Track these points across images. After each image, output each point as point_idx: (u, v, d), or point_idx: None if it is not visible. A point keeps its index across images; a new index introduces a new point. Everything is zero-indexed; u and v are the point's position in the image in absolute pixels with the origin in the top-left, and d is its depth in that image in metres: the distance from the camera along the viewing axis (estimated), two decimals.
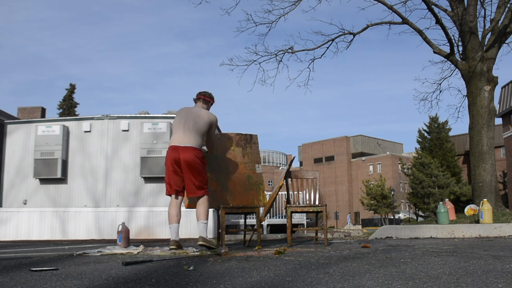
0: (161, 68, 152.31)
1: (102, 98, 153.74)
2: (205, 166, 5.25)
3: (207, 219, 5.12)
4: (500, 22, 11.24)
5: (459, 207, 25.84)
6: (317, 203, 6.11)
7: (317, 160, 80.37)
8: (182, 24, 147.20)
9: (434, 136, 48.77)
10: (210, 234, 10.11)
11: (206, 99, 5.56)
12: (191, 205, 5.89)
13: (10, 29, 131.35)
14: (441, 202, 9.05)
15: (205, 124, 5.31)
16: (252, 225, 13.62)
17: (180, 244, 4.99)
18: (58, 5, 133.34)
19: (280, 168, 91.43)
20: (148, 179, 10.43)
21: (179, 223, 5.13)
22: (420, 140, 49.82)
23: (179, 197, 5.20)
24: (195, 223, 10.10)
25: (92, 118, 10.84)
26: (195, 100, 5.60)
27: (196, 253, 4.44)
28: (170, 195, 5.20)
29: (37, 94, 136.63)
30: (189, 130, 5.19)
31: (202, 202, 5.14)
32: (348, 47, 13.24)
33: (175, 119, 5.38)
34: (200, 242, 4.89)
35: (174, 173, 5.12)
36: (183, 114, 5.35)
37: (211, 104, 5.67)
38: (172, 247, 4.89)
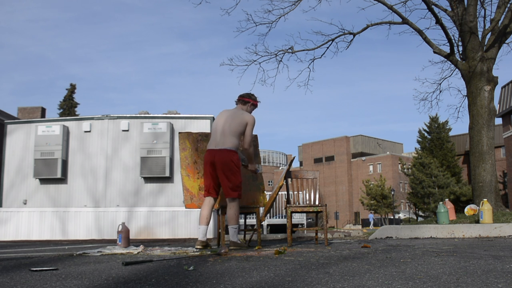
0: (162, 68, 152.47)
1: (103, 98, 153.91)
2: (240, 169, 5.29)
3: (237, 223, 5.22)
4: (500, 22, 11.24)
5: (459, 207, 25.87)
6: (317, 203, 6.11)
7: (317, 160, 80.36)
8: (184, 24, 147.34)
9: (434, 136, 48.77)
10: (210, 234, 10.11)
11: (244, 99, 5.57)
12: (191, 205, 5.88)
13: (12, 29, 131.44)
14: (441, 202, 9.05)
15: (239, 125, 5.31)
16: (252, 225, 13.63)
17: (207, 243, 5.13)
18: (59, 5, 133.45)
19: (280, 168, 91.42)
20: (148, 179, 10.43)
21: (207, 225, 5.24)
22: (420, 140, 49.82)
23: (212, 199, 5.31)
24: (195, 223, 10.13)
25: (92, 118, 10.84)
26: (236, 103, 5.64)
27: (196, 253, 4.44)
28: (205, 196, 5.34)
29: (38, 94, 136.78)
30: (224, 133, 5.26)
31: (232, 205, 5.20)
32: (348, 47, 13.25)
33: (214, 123, 5.47)
34: (231, 247, 5.09)
35: (207, 176, 5.26)
36: (221, 116, 5.42)
37: (252, 105, 5.61)
38: (198, 246, 5.04)
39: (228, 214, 5.21)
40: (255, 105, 5.64)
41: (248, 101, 5.57)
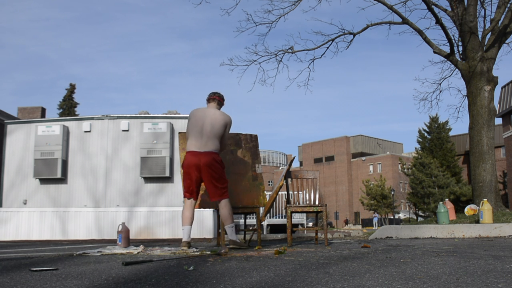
0: (163, 68, 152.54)
1: (104, 98, 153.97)
2: (224, 170, 5.35)
3: (232, 221, 5.26)
4: (500, 22, 11.24)
5: (459, 207, 25.83)
6: (317, 203, 6.11)
7: (317, 160, 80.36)
8: (185, 24, 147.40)
9: (434, 136, 48.76)
10: (210, 234, 10.11)
11: (220, 100, 5.59)
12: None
13: (13, 29, 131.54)
14: (441, 202, 9.05)
15: (222, 127, 5.36)
16: (252, 225, 13.63)
17: (190, 244, 5.13)
18: (61, 5, 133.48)
19: (280, 168, 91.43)
20: (148, 179, 10.43)
21: (191, 225, 5.27)
22: (420, 140, 49.81)
23: (193, 200, 5.32)
24: (195, 223, 10.11)
25: (92, 118, 10.84)
26: (209, 100, 5.59)
27: (196, 253, 4.44)
28: (185, 198, 5.32)
29: (38, 94, 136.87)
30: (208, 135, 5.24)
31: (225, 205, 5.26)
32: (348, 47, 13.26)
33: (190, 121, 5.36)
34: (231, 246, 5.11)
35: (189, 178, 5.23)
36: (199, 117, 5.34)
37: (222, 105, 5.68)
38: (184, 247, 5.02)
39: (222, 214, 5.26)
40: (223, 105, 5.72)
41: (223, 102, 5.63)
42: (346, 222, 63.69)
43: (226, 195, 5.28)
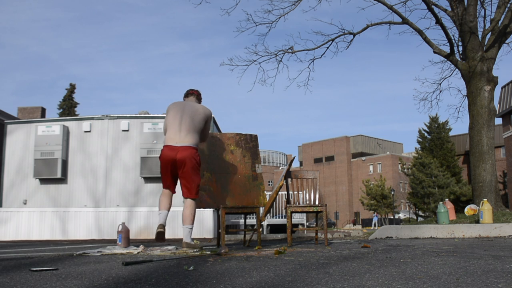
0: (164, 68, 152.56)
1: (104, 98, 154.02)
2: (199, 167, 5.13)
3: (192, 223, 5.02)
4: (500, 22, 11.24)
5: (459, 207, 25.85)
6: (317, 203, 6.11)
7: (317, 160, 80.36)
8: (186, 24, 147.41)
9: (434, 136, 48.75)
10: (210, 234, 10.11)
11: (199, 96, 5.49)
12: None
13: (14, 29, 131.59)
14: (441, 202, 9.05)
15: (202, 120, 5.19)
16: (252, 225, 13.63)
17: (164, 226, 4.98)
18: (61, 5, 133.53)
19: (280, 168, 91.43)
20: (148, 179, 10.43)
21: (168, 210, 5.12)
22: (420, 140, 49.80)
23: (171, 192, 5.20)
24: (195, 223, 10.10)
25: (92, 118, 10.84)
26: (187, 95, 5.47)
27: (196, 253, 4.44)
28: (163, 187, 5.22)
29: (39, 94, 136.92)
30: (187, 129, 5.04)
31: (190, 204, 5.04)
32: (348, 47, 13.25)
33: (168, 115, 5.16)
34: (184, 248, 4.87)
35: (166, 172, 5.08)
36: (177, 109, 5.15)
37: (201, 101, 5.59)
38: (160, 229, 4.91)
39: (185, 213, 4.98)
40: (201, 100, 5.62)
41: (201, 98, 5.53)
42: (354, 223, 63.33)
43: (196, 195, 5.07)
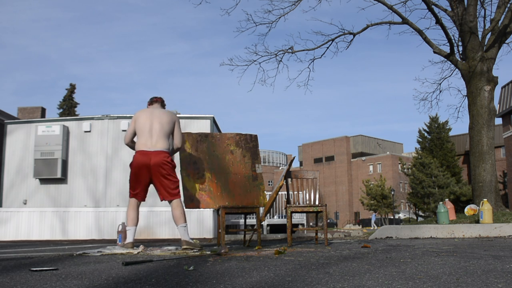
0: (164, 68, 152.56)
1: (104, 98, 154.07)
2: (175, 169, 5.20)
3: (185, 221, 5.10)
4: (500, 22, 11.24)
5: (459, 207, 25.86)
6: (317, 203, 6.11)
7: (317, 160, 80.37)
8: (186, 24, 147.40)
9: (434, 136, 48.73)
10: (210, 234, 10.11)
11: (163, 103, 5.59)
12: (191, 205, 5.89)
13: (14, 29, 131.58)
14: (441, 202, 9.05)
15: (170, 123, 5.29)
16: (252, 225, 13.63)
17: (134, 245, 5.00)
18: (62, 5, 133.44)
19: (280, 168, 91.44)
20: None
21: (136, 226, 5.17)
22: (420, 140, 49.79)
23: (138, 201, 5.20)
24: (195, 223, 10.13)
25: (92, 118, 10.84)
26: (151, 103, 5.56)
27: (196, 253, 4.44)
28: (132, 198, 5.18)
29: (39, 94, 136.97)
30: (157, 134, 5.15)
31: (177, 205, 5.11)
32: (348, 47, 13.26)
33: (138, 122, 5.25)
34: (184, 246, 4.90)
35: (138, 178, 5.09)
36: (146, 116, 5.26)
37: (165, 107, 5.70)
38: (129, 248, 4.89)
39: (175, 214, 5.08)
40: (165, 106, 5.72)
41: (164, 104, 5.62)
42: (359, 223, 63.05)
43: (178, 195, 5.14)
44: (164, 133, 5.19)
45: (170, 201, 5.12)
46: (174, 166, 5.19)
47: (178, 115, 10.83)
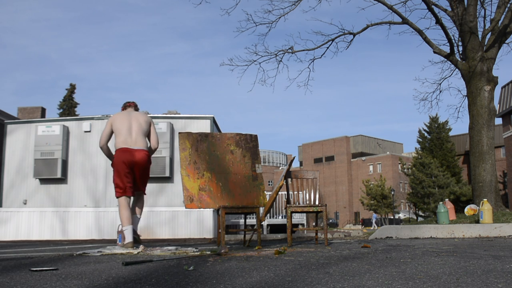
0: (164, 68, 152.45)
1: (105, 98, 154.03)
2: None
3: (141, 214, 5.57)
4: (500, 22, 11.25)
5: (459, 207, 25.85)
6: (317, 203, 6.11)
7: (317, 160, 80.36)
8: (186, 24, 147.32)
9: (434, 136, 48.75)
10: (210, 234, 10.12)
11: (136, 106, 5.89)
12: (191, 205, 5.89)
13: (14, 29, 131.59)
14: (441, 202, 9.05)
15: (147, 124, 5.59)
16: (252, 225, 13.62)
17: (136, 240, 5.28)
18: (62, 5, 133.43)
19: (280, 168, 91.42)
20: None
21: (132, 224, 5.32)
22: (420, 140, 49.80)
23: (128, 198, 5.36)
24: (195, 223, 10.13)
25: (92, 118, 10.84)
26: (125, 107, 5.84)
27: (196, 253, 4.44)
28: (121, 196, 5.30)
29: (39, 94, 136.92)
30: (137, 132, 5.43)
31: (142, 198, 5.61)
32: (348, 47, 13.27)
33: (115, 123, 5.45)
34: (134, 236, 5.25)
35: (128, 175, 5.31)
36: (123, 117, 5.51)
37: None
38: (129, 248, 4.99)
39: (139, 206, 5.54)
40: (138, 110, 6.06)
41: (138, 108, 5.94)
42: (363, 223, 62.96)
43: (144, 191, 5.59)
44: (142, 132, 5.48)
45: (138, 194, 5.53)
46: (151, 163, 5.59)
47: (178, 115, 10.85)
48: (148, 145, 5.60)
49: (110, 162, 5.53)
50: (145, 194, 5.67)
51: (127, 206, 5.29)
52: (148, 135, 5.62)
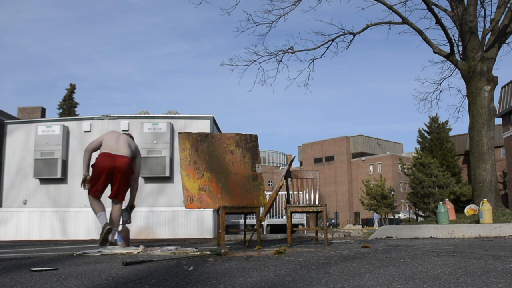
0: (164, 68, 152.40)
1: (105, 98, 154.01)
2: (131, 177, 5.72)
3: (118, 227, 5.64)
4: (500, 22, 11.24)
5: (459, 207, 25.86)
6: (317, 203, 6.11)
7: (317, 160, 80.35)
8: (187, 24, 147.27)
9: (434, 136, 48.74)
10: (210, 234, 10.11)
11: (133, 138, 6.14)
12: (191, 205, 5.89)
13: (14, 29, 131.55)
14: (441, 202, 9.05)
15: (135, 147, 5.83)
16: (252, 225, 13.63)
17: (108, 226, 5.34)
18: (62, 5, 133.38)
19: (280, 168, 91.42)
20: (148, 179, 10.43)
21: (105, 210, 5.56)
22: (420, 140, 49.79)
23: (98, 198, 5.61)
24: (195, 223, 10.13)
25: (92, 118, 10.84)
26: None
27: (196, 253, 4.44)
28: (90, 195, 5.57)
29: (39, 94, 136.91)
30: (123, 142, 5.65)
31: (119, 208, 5.69)
32: (348, 47, 13.26)
33: (105, 136, 5.72)
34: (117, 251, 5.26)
35: (101, 178, 5.46)
36: (113, 133, 5.78)
37: None
38: (109, 226, 5.24)
39: (115, 216, 5.61)
40: None
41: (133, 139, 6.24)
42: (367, 223, 62.97)
43: (121, 199, 5.66)
44: (128, 145, 5.70)
45: (115, 203, 5.62)
46: (133, 172, 5.68)
47: (178, 115, 10.85)
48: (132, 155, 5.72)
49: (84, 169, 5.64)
50: (120, 202, 5.68)
51: (95, 199, 5.55)
52: (133, 157, 5.73)
